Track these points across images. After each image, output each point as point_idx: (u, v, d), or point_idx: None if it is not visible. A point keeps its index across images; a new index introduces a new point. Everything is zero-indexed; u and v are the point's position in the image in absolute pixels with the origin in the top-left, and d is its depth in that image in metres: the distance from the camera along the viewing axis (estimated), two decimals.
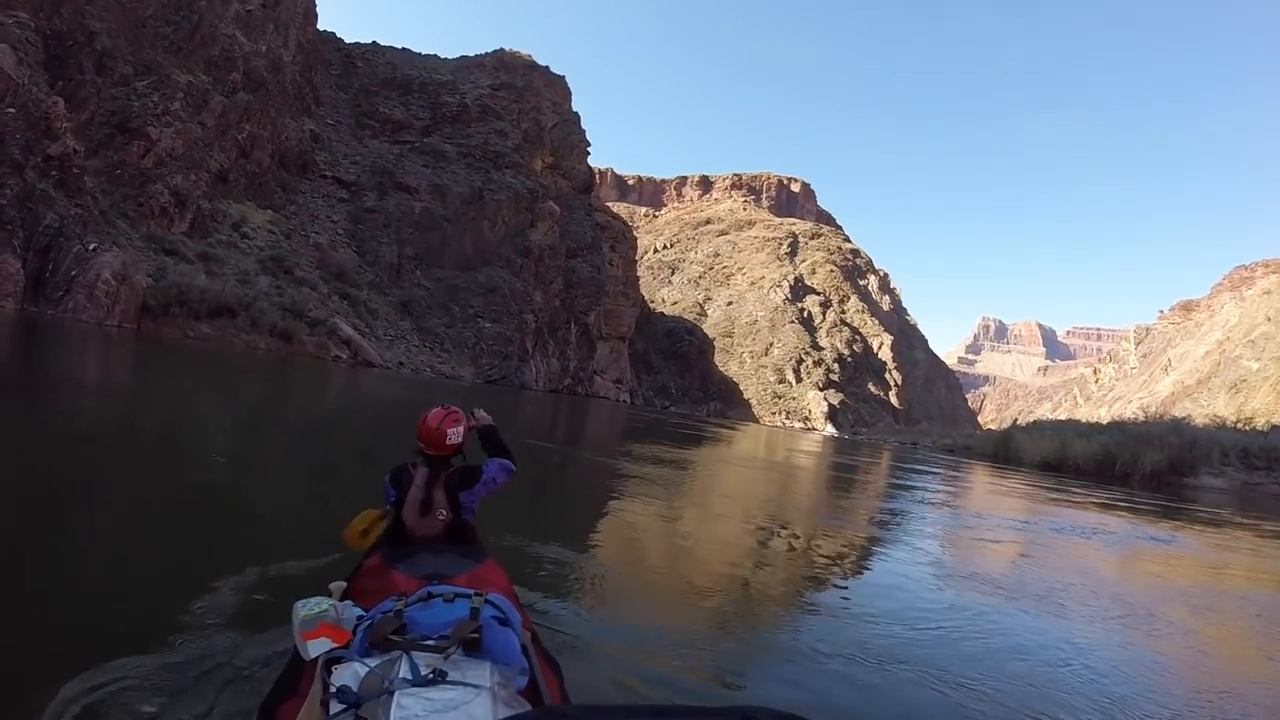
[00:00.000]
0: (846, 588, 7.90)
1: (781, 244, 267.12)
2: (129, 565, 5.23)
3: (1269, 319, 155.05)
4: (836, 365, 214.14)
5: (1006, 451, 59.88)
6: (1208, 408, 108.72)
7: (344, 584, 3.47)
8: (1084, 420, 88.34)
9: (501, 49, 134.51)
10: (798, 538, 10.24)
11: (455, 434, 4.22)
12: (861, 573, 8.45)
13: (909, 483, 25.61)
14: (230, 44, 76.93)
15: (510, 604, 2.81)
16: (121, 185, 59.25)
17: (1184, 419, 57.49)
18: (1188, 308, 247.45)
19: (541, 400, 58.35)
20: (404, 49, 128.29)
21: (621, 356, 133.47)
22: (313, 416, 18.91)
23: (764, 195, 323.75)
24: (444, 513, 4.03)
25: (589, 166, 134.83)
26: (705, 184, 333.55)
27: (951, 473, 37.44)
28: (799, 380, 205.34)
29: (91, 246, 47.33)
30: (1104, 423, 69.40)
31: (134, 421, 11.96)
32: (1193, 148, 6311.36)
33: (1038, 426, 68.13)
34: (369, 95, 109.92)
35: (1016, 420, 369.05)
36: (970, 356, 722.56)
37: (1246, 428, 55.37)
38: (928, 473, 33.93)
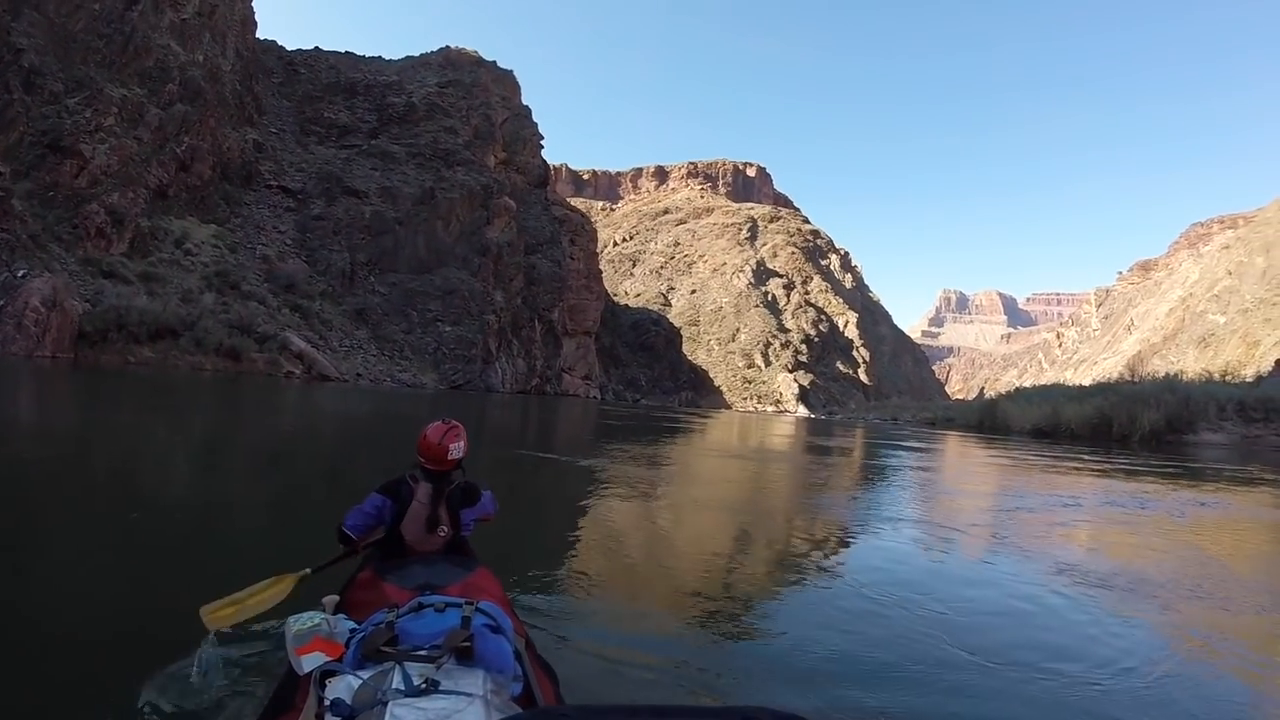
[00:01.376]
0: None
1: (741, 229, 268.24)
2: (88, 614, 4.70)
3: (1230, 273, 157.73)
4: (804, 346, 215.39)
5: (993, 421, 59.31)
6: (1177, 363, 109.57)
7: (336, 597, 3.47)
8: (1052, 384, 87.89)
9: (448, 47, 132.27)
10: (837, 554, 8.56)
11: (457, 449, 4.23)
12: (971, 598, 6.80)
13: (913, 463, 24.08)
14: (165, 54, 74.43)
15: (502, 611, 2.73)
16: (55, 207, 56.63)
17: (1175, 376, 56.83)
18: (1146, 267, 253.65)
19: (510, 403, 56.12)
20: (348, 53, 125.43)
21: (589, 352, 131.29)
22: (265, 441, 17.16)
23: (721, 182, 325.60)
24: (445, 529, 4.08)
25: (543, 160, 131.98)
26: (661, 174, 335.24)
27: (945, 446, 36.54)
28: (768, 364, 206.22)
29: (20, 273, 44.91)
30: (1087, 384, 68.52)
31: (65, 462, 10.53)
32: (1144, 111, 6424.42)
33: (1022, 393, 67.56)
34: (313, 101, 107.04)
35: (984, 389, 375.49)
36: (933, 329, 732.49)
37: (1233, 380, 54.73)
38: (924, 449, 32.66)
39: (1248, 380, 55.32)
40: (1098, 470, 23.38)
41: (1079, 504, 15.28)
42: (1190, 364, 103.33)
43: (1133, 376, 60.74)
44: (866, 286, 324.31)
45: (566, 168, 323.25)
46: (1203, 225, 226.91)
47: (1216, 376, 59.16)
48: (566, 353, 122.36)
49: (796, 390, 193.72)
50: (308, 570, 3.99)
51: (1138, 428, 43.11)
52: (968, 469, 24.25)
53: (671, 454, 22.77)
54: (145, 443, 13.74)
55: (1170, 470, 23.99)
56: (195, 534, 6.96)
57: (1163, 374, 66.90)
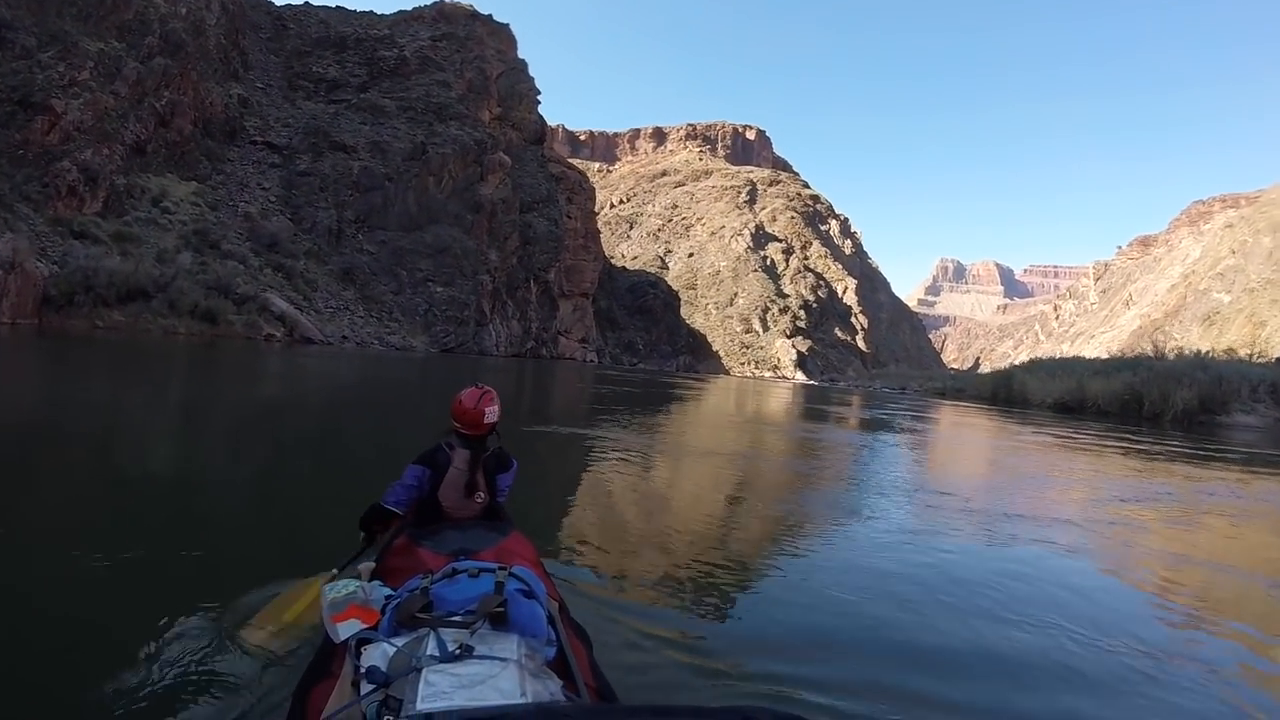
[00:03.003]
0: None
1: (740, 192, 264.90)
2: (89, 588, 4.53)
3: (1233, 252, 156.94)
4: (802, 312, 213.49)
5: (1008, 393, 57.32)
6: (1181, 340, 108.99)
7: (372, 564, 3.62)
8: (1071, 356, 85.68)
9: (442, 0, 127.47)
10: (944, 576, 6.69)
11: (492, 413, 4.22)
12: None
13: (957, 440, 22.26)
14: (145, 7, 70.94)
15: (536, 575, 2.79)
16: (25, 165, 53.71)
17: (1208, 353, 54.60)
18: (1145, 243, 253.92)
19: (505, 367, 54.26)
20: (338, 7, 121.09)
21: (586, 314, 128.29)
22: (241, 411, 15.56)
23: (720, 144, 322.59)
24: (482, 495, 4.11)
25: (540, 116, 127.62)
26: (659, 136, 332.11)
27: (971, 420, 34.74)
28: (766, 329, 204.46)
29: None
30: (1104, 357, 66.38)
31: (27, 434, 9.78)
32: (1146, 93, 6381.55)
33: (1040, 365, 65.27)
34: (301, 56, 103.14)
35: (979, 359, 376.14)
36: (930, 298, 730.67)
37: (1260, 360, 52.43)
38: (954, 423, 31.39)
39: (1277, 360, 52.85)
40: (1155, 453, 21.31)
41: (1173, 496, 13.33)
42: (1195, 341, 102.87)
43: (1155, 352, 58.14)
44: (865, 253, 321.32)
45: (563, 128, 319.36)
46: (1204, 203, 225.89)
47: (1242, 355, 56.83)
48: (563, 315, 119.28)
49: (795, 356, 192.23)
50: (335, 570, 4.03)
51: (1170, 406, 41.14)
52: (1020, 449, 21.85)
53: (676, 431, 20.54)
54: (105, 417, 12.42)
55: (1234, 455, 21.86)
56: (173, 513, 6.51)
57: (1172, 350, 64.79)
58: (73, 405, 12.50)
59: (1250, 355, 53.00)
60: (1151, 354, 57.22)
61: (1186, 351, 60.04)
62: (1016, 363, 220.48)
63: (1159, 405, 41.91)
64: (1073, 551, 8.05)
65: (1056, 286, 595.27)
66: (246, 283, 54.82)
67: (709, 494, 10.06)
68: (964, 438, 24.94)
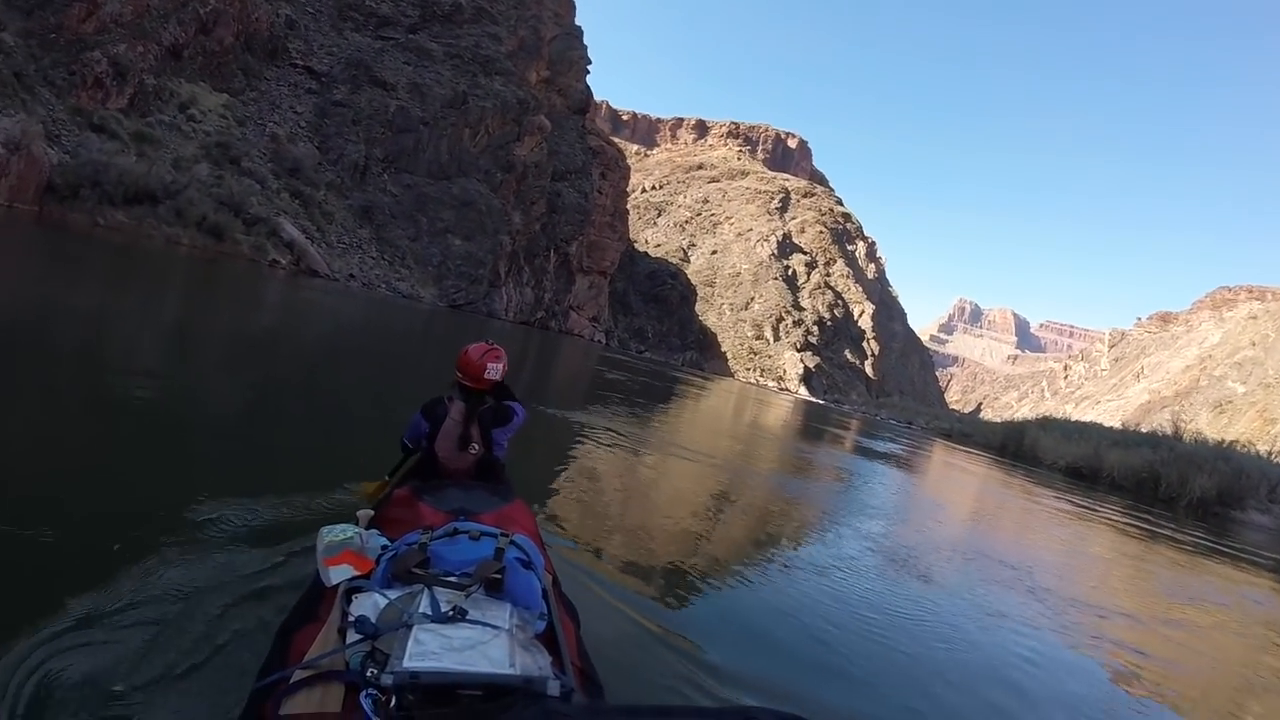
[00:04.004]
0: None
1: (773, 198, 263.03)
2: (78, 492, 4.57)
3: (1254, 344, 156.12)
4: (816, 328, 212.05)
5: (1018, 447, 55.28)
6: (1190, 424, 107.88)
7: (371, 512, 3.59)
8: (1088, 421, 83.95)
9: None
10: None
11: (494, 369, 4.29)
12: None
13: (975, 496, 20.76)
14: None
15: (534, 547, 2.82)
16: (54, 50, 52.02)
17: (1231, 444, 52.72)
18: (1165, 319, 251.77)
19: (510, 334, 52.64)
20: None
21: (601, 293, 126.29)
22: (233, 340, 14.57)
23: (760, 147, 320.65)
24: (476, 447, 4.13)
25: (587, 86, 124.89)
26: (701, 128, 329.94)
27: (983, 471, 33.53)
28: (777, 339, 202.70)
29: None
30: (1121, 427, 64.56)
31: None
32: (1184, 170, 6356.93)
33: (1055, 424, 63.14)
34: None
35: (981, 405, 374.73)
36: (943, 335, 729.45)
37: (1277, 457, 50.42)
38: (971, 472, 30.30)
39: None
40: (1184, 543, 19.67)
41: (1221, 599, 11.90)
42: (1203, 427, 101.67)
43: (1174, 431, 56.25)
44: (887, 280, 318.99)
45: (608, 104, 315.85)
46: (1229, 290, 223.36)
47: (1261, 450, 54.86)
48: (578, 290, 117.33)
49: (801, 370, 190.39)
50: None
51: (1187, 492, 39.10)
52: (1049, 516, 20.28)
53: (682, 431, 19.89)
54: (86, 327, 11.24)
55: (1263, 560, 19.96)
56: (151, 442, 6.15)
57: (1189, 434, 63.23)
58: (53, 309, 11.49)
59: (1270, 453, 50.85)
60: (1170, 433, 55.24)
61: (1200, 436, 58.15)
62: (1019, 416, 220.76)
63: (1176, 489, 39.95)
64: (1143, 655, 7.29)
65: (1069, 346, 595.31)
66: (260, 204, 52.94)
67: (709, 497, 9.86)
68: (985, 492, 23.59)
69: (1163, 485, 40.55)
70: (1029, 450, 52.76)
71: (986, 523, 16.08)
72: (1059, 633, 7.34)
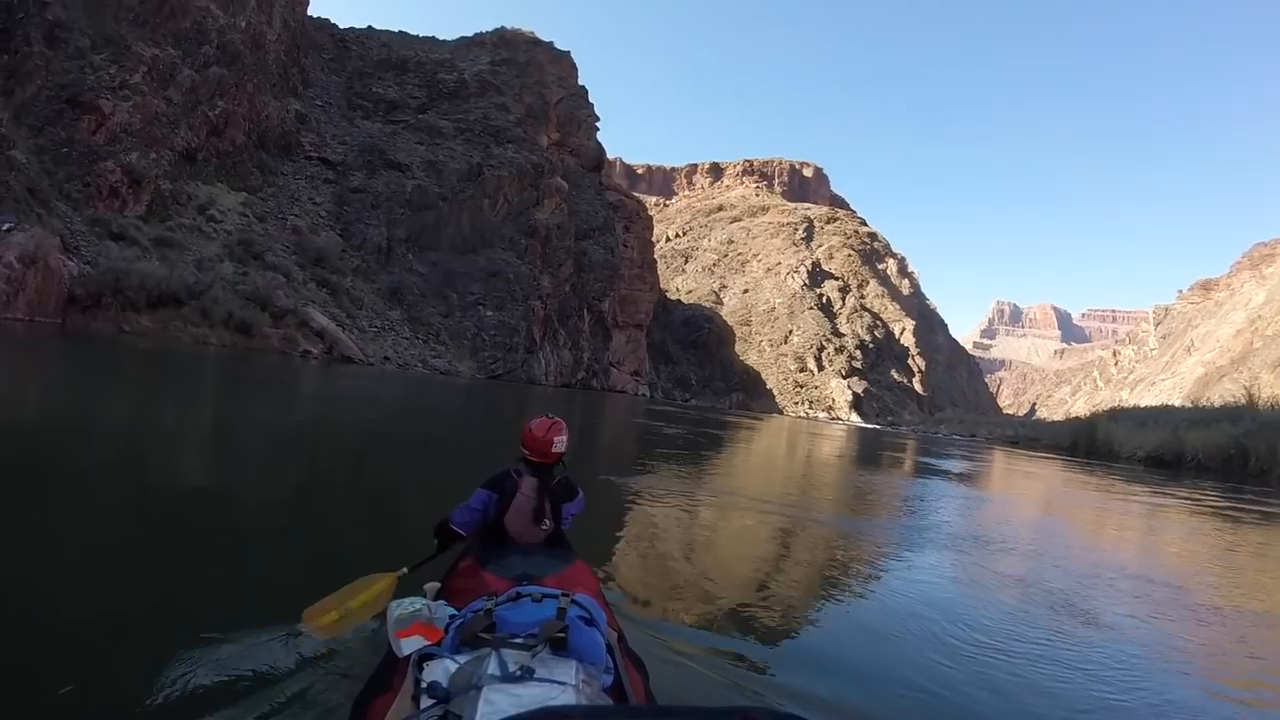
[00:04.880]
0: None
1: (797, 229, 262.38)
2: (136, 599, 4.51)
3: None
4: (858, 352, 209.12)
5: (1090, 443, 52.86)
6: (1253, 388, 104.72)
7: (438, 584, 3.68)
8: (1161, 405, 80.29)
9: (503, 27, 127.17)
10: None
11: (560, 442, 4.30)
12: None
13: (1077, 506, 18.69)
14: (204, 17, 70.52)
15: (597, 604, 2.83)
16: (68, 164, 52.64)
17: None
18: (1207, 287, 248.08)
19: (553, 397, 51.78)
20: (400, 32, 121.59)
21: (639, 346, 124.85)
22: (265, 431, 14.08)
23: (776, 181, 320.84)
24: (548, 523, 4.19)
25: (598, 143, 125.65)
26: (716, 171, 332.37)
27: (1067, 474, 31.43)
28: (820, 368, 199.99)
29: (5, 226, 39.61)
30: (1193, 407, 61.65)
31: None
32: (1206, 133, 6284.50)
33: (1127, 414, 60.51)
34: (362, 77, 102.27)
35: (1035, 405, 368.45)
36: (985, 341, 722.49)
37: None
38: (1056, 478, 28.42)
39: None
40: None
41: None
42: (1265, 390, 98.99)
43: (1249, 400, 53.48)
44: (923, 293, 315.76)
45: (620, 161, 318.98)
46: (1267, 246, 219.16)
47: None
48: (616, 346, 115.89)
49: (850, 397, 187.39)
50: (404, 569, 4.04)
51: (1279, 462, 36.58)
52: (1162, 517, 18.20)
53: (735, 478, 18.32)
54: (115, 429, 11.25)
55: None
56: (197, 535, 6.07)
57: (1266, 401, 60.18)
58: (85, 420, 11.39)
59: None
60: (1245, 403, 52.38)
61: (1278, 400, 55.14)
62: (1074, 410, 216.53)
63: (1266, 461, 37.53)
64: None
65: (1115, 331, 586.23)
66: (287, 296, 52.25)
67: (769, 544, 9.59)
68: (1075, 498, 21.52)
69: (1252, 460, 38.40)
70: (1103, 445, 51.16)
71: (1098, 533, 14.68)
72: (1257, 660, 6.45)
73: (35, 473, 7.39)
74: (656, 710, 1.48)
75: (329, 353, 50.59)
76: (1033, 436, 72.94)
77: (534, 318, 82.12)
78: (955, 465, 30.86)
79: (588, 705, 2.08)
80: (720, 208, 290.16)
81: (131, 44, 60.86)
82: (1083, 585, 8.44)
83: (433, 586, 3.63)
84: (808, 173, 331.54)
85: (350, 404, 22.97)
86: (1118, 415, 61.02)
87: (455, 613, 2.81)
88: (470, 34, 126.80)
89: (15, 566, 4.76)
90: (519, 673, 2.20)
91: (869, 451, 36.99)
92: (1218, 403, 65.84)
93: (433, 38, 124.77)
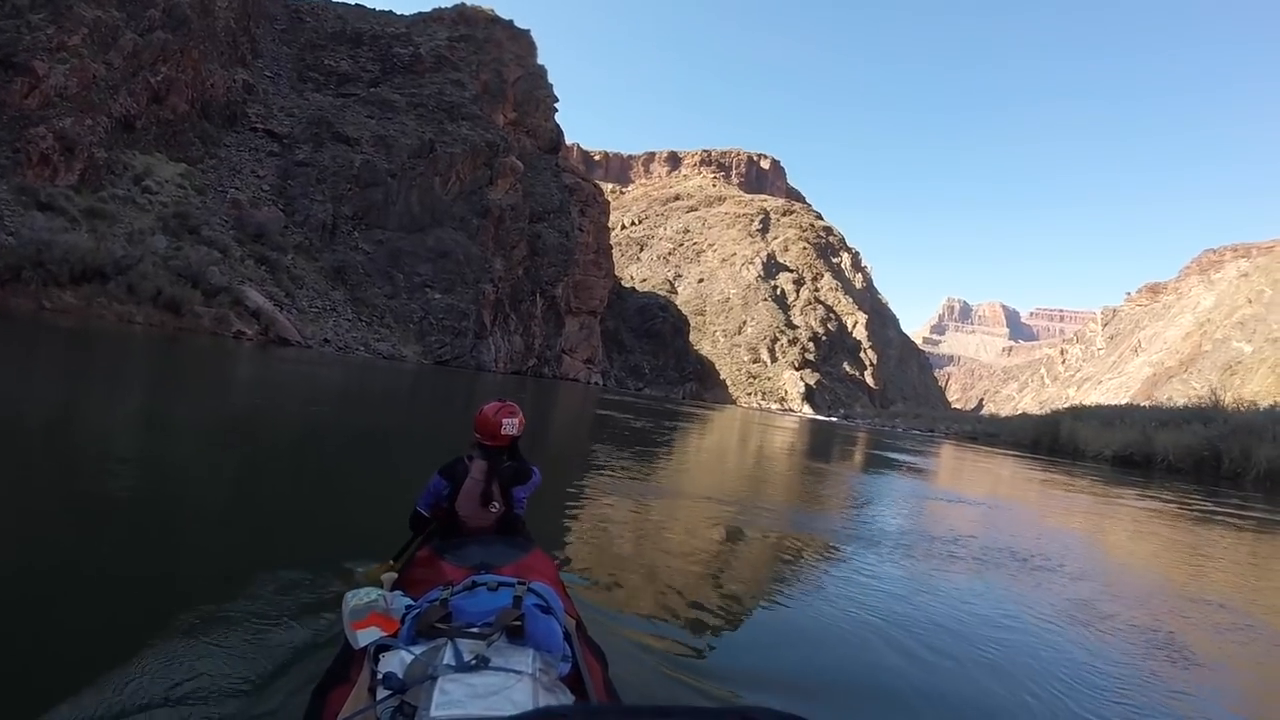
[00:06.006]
0: None
1: (753, 220, 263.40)
2: (79, 590, 4.44)
3: (1250, 301, 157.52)
4: (811, 344, 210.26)
5: (1053, 441, 52.76)
6: (1200, 389, 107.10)
7: (394, 575, 3.77)
8: (1130, 404, 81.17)
9: (462, 3, 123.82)
10: None
11: (510, 425, 4.30)
12: None
13: (1067, 512, 17.59)
14: None
15: (554, 592, 2.87)
16: None
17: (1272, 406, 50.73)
18: (1155, 290, 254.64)
19: (502, 385, 50.20)
20: (357, 4, 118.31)
21: (593, 334, 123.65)
22: (209, 421, 13.35)
23: (734, 172, 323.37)
24: (498, 505, 4.17)
25: (556, 124, 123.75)
26: (674, 160, 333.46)
27: (1042, 475, 30.07)
28: (774, 360, 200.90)
29: None
30: (1175, 405, 62.15)
31: None
32: (1159, 138, 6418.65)
33: (1090, 412, 60.53)
34: (314, 49, 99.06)
35: (983, 400, 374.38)
36: (935, 336, 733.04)
37: None
38: (1032, 479, 27.23)
39: None
40: None
41: None
42: (1217, 390, 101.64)
43: (1215, 401, 53.79)
44: (876, 289, 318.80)
45: (578, 147, 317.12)
46: (1215, 252, 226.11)
47: (1264, 406, 52.63)
48: (569, 333, 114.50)
49: (802, 389, 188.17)
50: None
51: (1253, 465, 36.47)
52: (1154, 521, 17.25)
53: (693, 470, 18.00)
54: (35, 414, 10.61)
55: None
56: (135, 529, 5.84)
57: (1184, 400, 61.00)
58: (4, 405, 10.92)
59: None
60: (1211, 404, 52.63)
61: (1246, 402, 55.75)
62: (1021, 407, 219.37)
63: (1239, 464, 37.44)
64: None
65: (1062, 331, 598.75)
66: (222, 273, 49.58)
67: (725, 535, 9.35)
68: (1078, 505, 20.32)
69: (1225, 462, 38.31)
70: (1067, 443, 50.87)
71: (1132, 549, 13.28)
72: None
73: None
74: (655, 710, 1.48)
75: (264, 334, 48.37)
76: (991, 432, 72.91)
77: (484, 301, 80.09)
78: (920, 461, 30.60)
79: (587, 705, 2.13)
80: (677, 197, 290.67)
81: (72, 4, 57.42)
82: (1178, 619, 7.72)
83: (390, 577, 3.64)
84: (765, 164, 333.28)
85: (284, 392, 21.51)
86: (1080, 413, 61.06)
87: (412, 603, 2.78)
88: (429, 9, 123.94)
89: None
90: (474, 662, 2.20)
91: (827, 445, 36.56)
92: (1180, 402, 66.45)
93: (389, 12, 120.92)
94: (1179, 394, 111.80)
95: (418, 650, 2.33)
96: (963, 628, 6.16)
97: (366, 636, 2.58)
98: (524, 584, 2.73)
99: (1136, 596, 8.65)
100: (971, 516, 14.90)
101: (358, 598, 2.78)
